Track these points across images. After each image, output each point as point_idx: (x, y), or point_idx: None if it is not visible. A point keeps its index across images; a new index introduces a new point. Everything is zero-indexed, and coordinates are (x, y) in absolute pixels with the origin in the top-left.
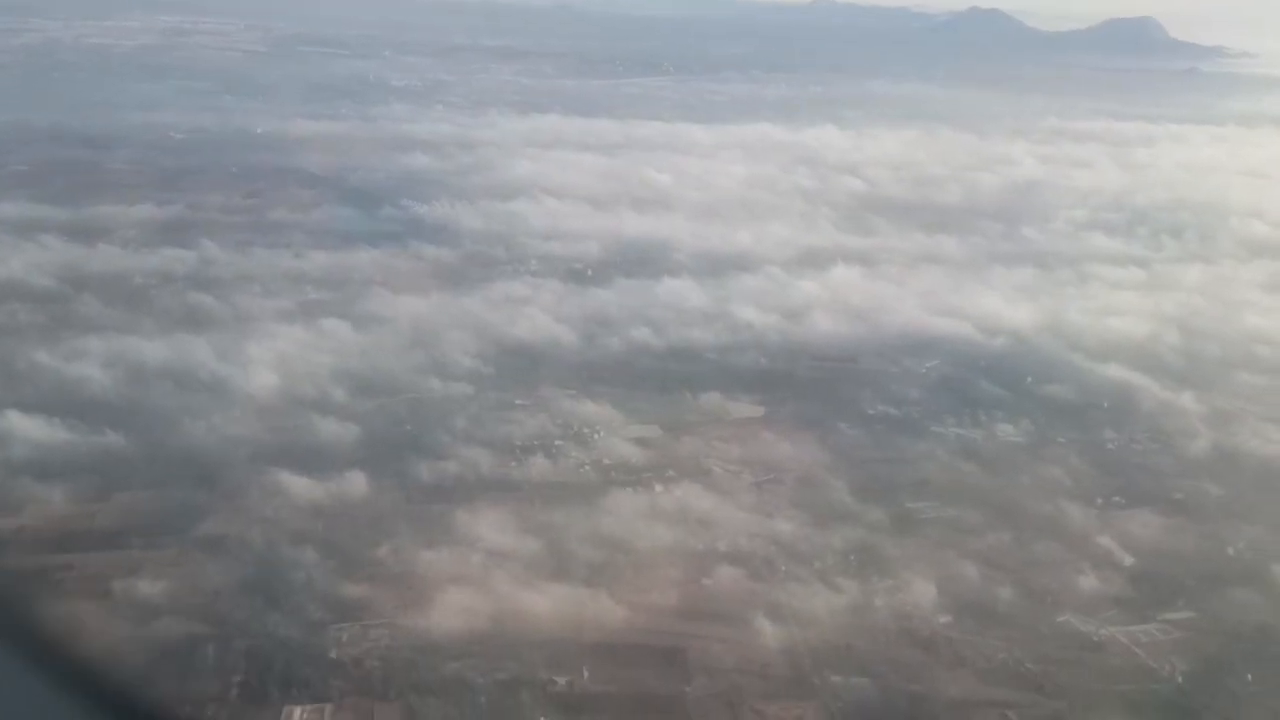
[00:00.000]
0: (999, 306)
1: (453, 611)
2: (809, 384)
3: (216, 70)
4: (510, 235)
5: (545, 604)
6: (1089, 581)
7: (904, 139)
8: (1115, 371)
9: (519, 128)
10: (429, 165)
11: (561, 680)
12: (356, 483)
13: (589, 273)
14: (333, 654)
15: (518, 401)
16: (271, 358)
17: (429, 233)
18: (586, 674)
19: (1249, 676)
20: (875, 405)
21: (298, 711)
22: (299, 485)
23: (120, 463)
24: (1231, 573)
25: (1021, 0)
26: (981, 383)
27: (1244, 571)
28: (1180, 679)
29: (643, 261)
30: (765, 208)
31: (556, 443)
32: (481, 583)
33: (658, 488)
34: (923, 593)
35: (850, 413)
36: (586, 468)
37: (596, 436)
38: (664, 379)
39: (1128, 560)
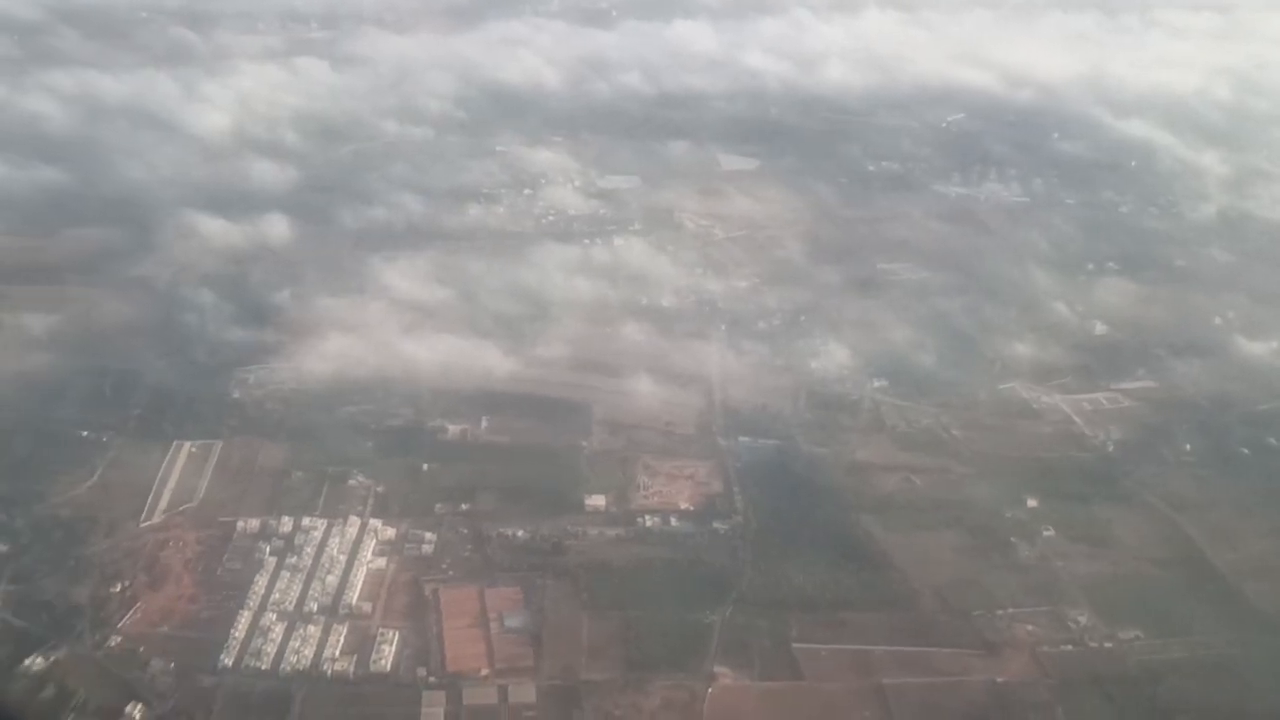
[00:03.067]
0: (1037, 57)
1: (354, 359)
2: (814, 137)
3: None
4: None
5: (449, 354)
6: (1050, 349)
7: None
8: (1142, 129)
9: None
10: None
11: (455, 428)
12: (278, 227)
13: (613, 12)
14: (235, 394)
15: (476, 148)
16: (234, 98)
17: None
18: (484, 423)
19: (1187, 446)
20: (879, 161)
21: (187, 445)
22: (220, 229)
23: (72, 200)
24: (1208, 343)
25: None
26: (999, 138)
27: (1221, 343)
28: (1111, 447)
29: (664, 1)
30: None
31: (501, 191)
32: (386, 331)
33: (601, 241)
34: (863, 356)
35: (850, 169)
36: (527, 219)
37: (550, 187)
38: (655, 128)
39: (1100, 328)
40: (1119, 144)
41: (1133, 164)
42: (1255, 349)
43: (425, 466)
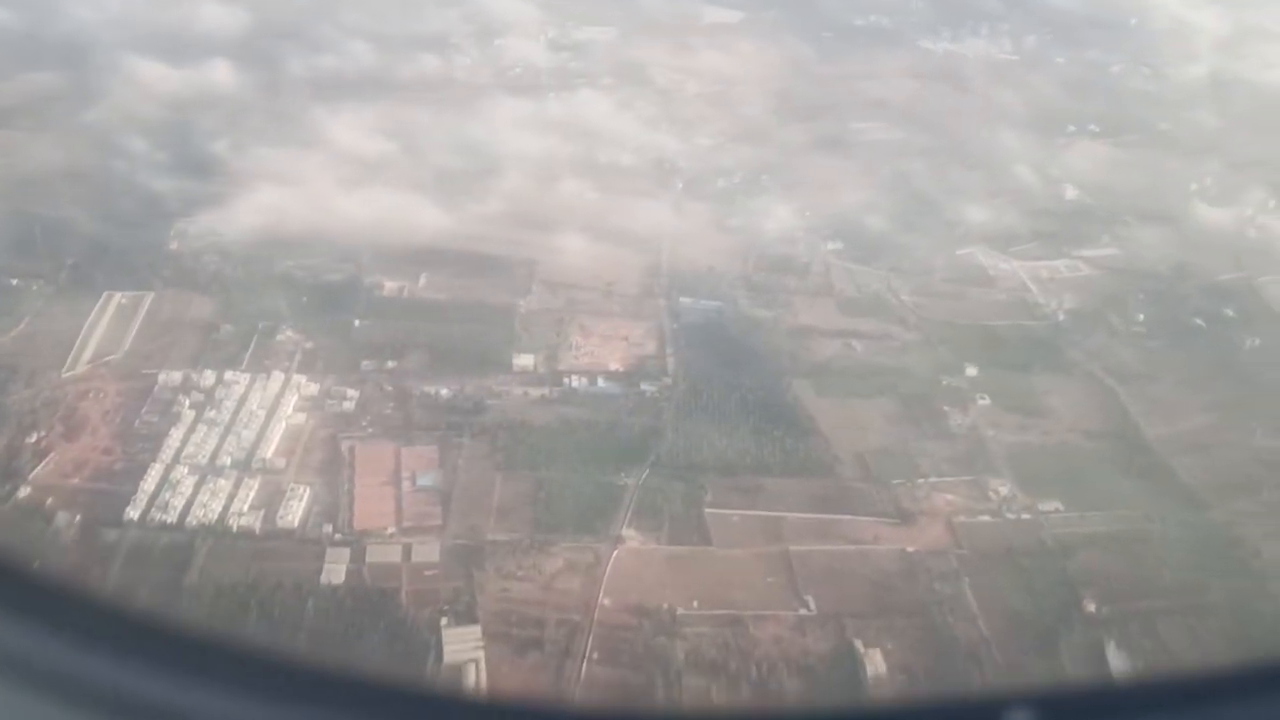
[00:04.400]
0: None
1: (294, 212)
2: None
3: None
4: None
5: (391, 209)
6: (1014, 214)
7: None
8: None
9: None
10: None
11: (392, 285)
12: (221, 74)
13: None
14: (173, 246)
15: None
16: None
17: None
18: (423, 280)
19: (1141, 316)
20: (868, 15)
21: (117, 297)
22: (163, 75)
23: (10, 43)
24: (1178, 211)
25: None
26: None
27: (1191, 211)
28: (1062, 316)
29: None
30: None
31: (466, 42)
32: (327, 184)
33: (565, 95)
34: (821, 218)
35: (837, 22)
36: (491, 71)
37: (520, 38)
38: None
39: (1071, 193)
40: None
41: (1132, 22)
42: (1224, 217)
43: (357, 323)
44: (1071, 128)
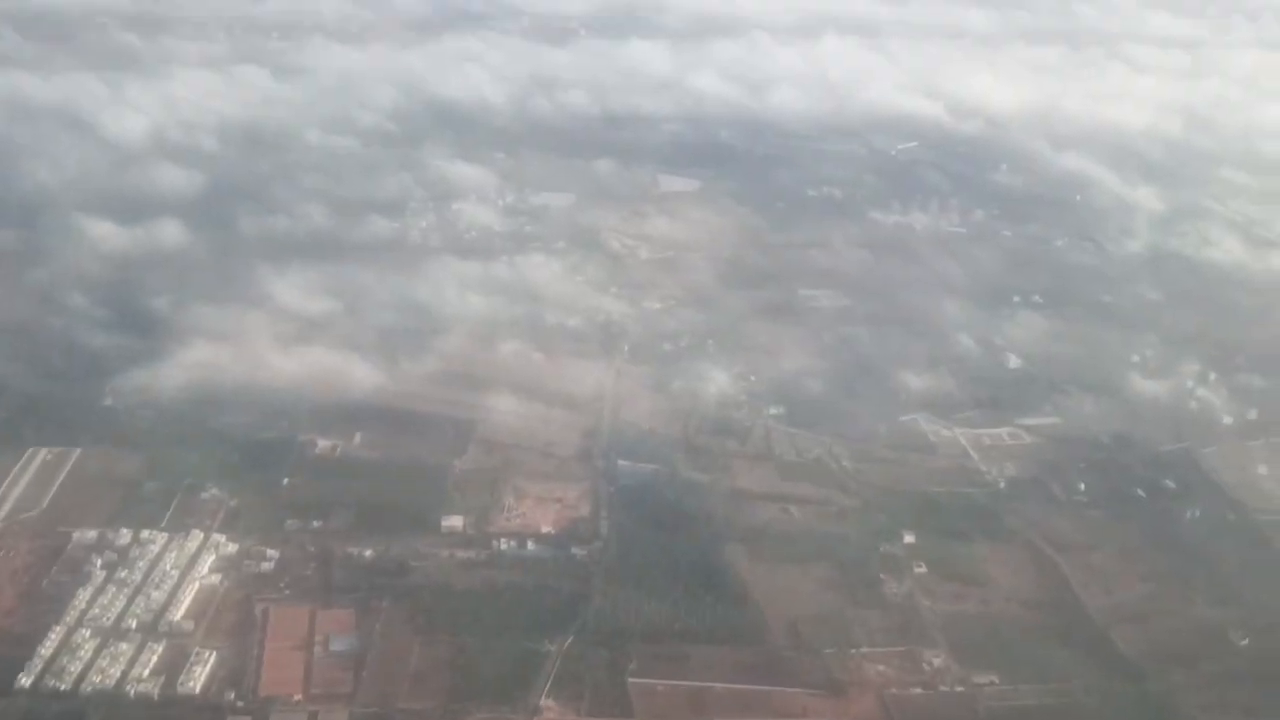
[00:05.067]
0: (994, 88)
1: (232, 369)
2: (759, 161)
3: None
4: None
5: (329, 367)
6: (958, 382)
7: None
8: (1089, 164)
9: None
10: None
11: (325, 443)
12: (172, 233)
13: (581, 31)
14: (107, 401)
15: (403, 160)
16: (159, 102)
17: None
18: (358, 439)
19: (1081, 486)
20: (821, 187)
21: (43, 453)
22: (111, 233)
23: None
24: (1119, 382)
25: None
26: (946, 168)
27: (1132, 382)
28: (1003, 484)
29: (628, 21)
30: None
31: (420, 205)
32: (267, 341)
33: (520, 257)
34: (765, 382)
35: (791, 193)
36: (446, 233)
37: (476, 202)
38: (598, 147)
39: (1014, 362)
40: (1064, 177)
41: (1077, 198)
42: (1163, 389)
43: (286, 481)
44: (1016, 298)
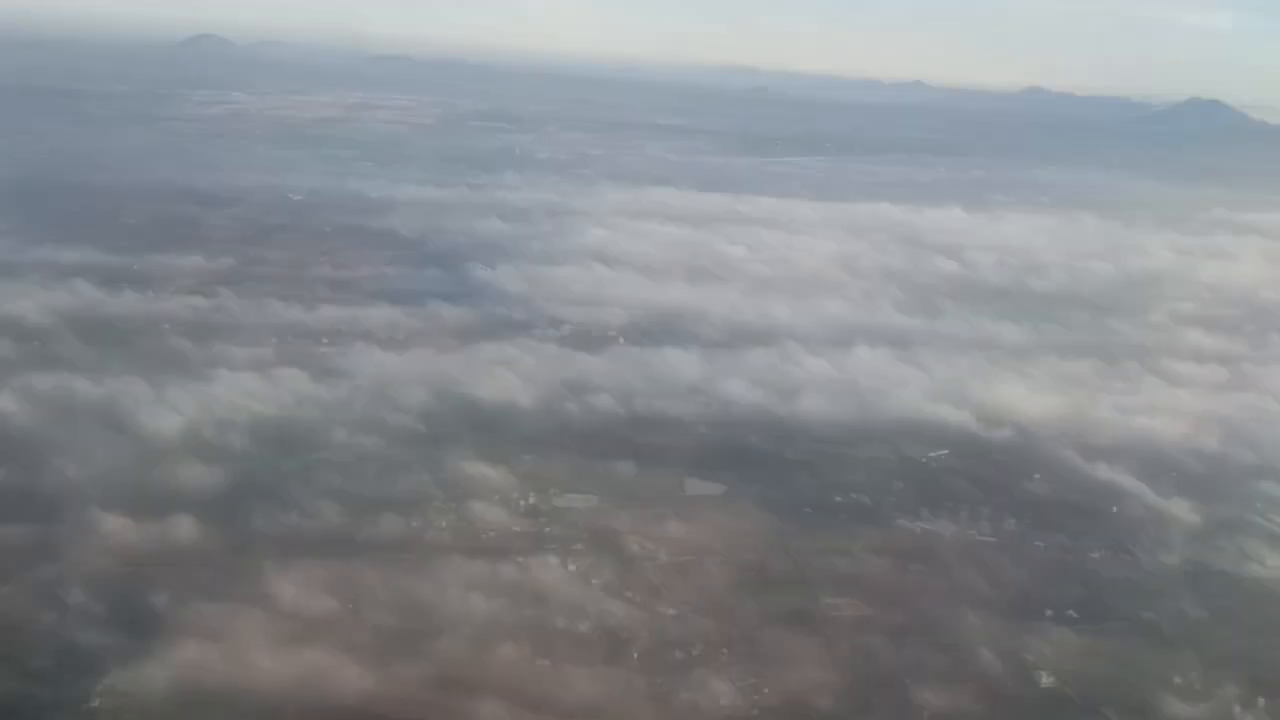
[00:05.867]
0: (1018, 398)
1: (216, 668)
2: (787, 466)
3: (373, 141)
4: (538, 299)
5: (319, 670)
6: (980, 699)
7: (1036, 224)
8: (1116, 475)
9: (621, 198)
10: (503, 230)
11: None
12: (183, 529)
13: (620, 339)
14: (94, 703)
15: (422, 459)
16: (198, 403)
17: (459, 293)
18: None
19: None
20: (848, 493)
21: None
22: (124, 529)
23: None
24: (1157, 703)
25: (1247, 94)
26: (978, 477)
27: (1168, 704)
28: None
29: (664, 330)
30: (829, 284)
31: (432, 504)
32: (261, 642)
33: (536, 559)
34: (775, 695)
35: (817, 499)
36: (452, 533)
37: (496, 503)
38: (626, 450)
39: (1046, 680)
40: (1098, 488)
41: (1114, 509)
42: (1201, 713)
43: None
44: (1049, 612)
